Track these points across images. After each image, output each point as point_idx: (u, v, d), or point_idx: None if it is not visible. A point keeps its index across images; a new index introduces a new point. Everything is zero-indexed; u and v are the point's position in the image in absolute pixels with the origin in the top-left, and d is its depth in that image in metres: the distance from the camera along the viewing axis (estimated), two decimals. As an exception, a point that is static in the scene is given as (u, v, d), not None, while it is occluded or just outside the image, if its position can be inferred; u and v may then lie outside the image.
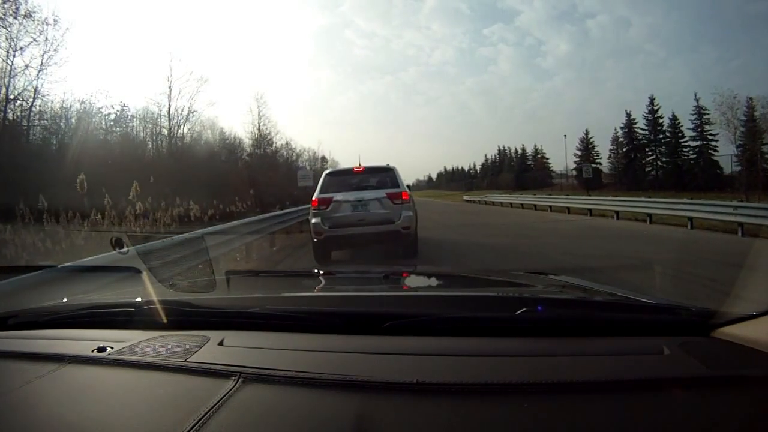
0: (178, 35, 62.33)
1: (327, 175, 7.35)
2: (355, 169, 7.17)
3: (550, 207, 18.49)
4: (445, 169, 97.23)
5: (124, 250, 2.83)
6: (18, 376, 0.85)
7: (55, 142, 18.31)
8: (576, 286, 1.50)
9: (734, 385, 0.74)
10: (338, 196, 6.64)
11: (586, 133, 48.37)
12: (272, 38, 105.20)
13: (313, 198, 6.80)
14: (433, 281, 1.97)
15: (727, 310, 0.94)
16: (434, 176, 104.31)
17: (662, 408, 0.68)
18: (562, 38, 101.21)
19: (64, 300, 1.45)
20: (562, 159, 72.71)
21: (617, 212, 13.40)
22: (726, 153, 33.81)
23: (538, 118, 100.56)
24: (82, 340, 1.00)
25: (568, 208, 16.79)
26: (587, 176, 30.44)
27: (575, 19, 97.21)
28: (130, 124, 24.54)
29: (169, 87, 25.43)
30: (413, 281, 1.93)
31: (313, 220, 6.62)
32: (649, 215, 11.92)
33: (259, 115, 33.76)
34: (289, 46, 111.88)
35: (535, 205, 20.39)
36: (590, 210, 15.12)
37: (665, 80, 79.56)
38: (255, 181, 21.23)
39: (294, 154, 40.89)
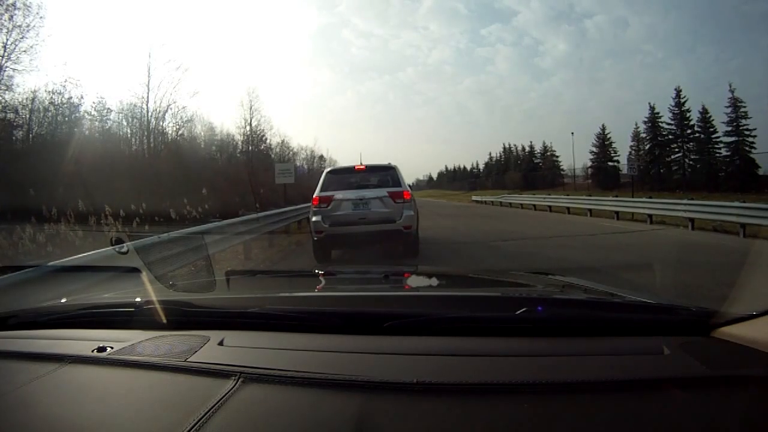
0: (170, 33, 62.26)
1: (328, 173, 7.30)
2: (357, 168, 7.18)
3: (590, 211, 15.21)
4: (446, 168, 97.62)
5: (124, 249, 2.82)
6: (18, 376, 0.85)
7: (19, 137, 17.12)
8: (576, 286, 1.50)
9: (734, 385, 0.74)
10: (339, 195, 6.62)
11: (603, 129, 46.86)
12: (269, 38, 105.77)
13: (314, 196, 6.78)
14: (433, 281, 1.97)
15: (727, 310, 0.94)
16: (435, 176, 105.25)
17: (662, 408, 0.68)
18: (560, 38, 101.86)
19: (64, 300, 1.45)
20: (567, 158, 72.76)
21: (692, 220, 10.36)
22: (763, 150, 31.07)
23: (536, 117, 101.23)
24: (82, 340, 1.00)
25: (617, 212, 13.58)
26: (633, 173, 26.69)
27: (573, 19, 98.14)
28: (107, 117, 23.28)
29: (148, 75, 23.74)
30: (413, 281, 1.93)
31: (314, 219, 6.62)
32: (743, 225, 8.84)
33: (251, 109, 33.16)
34: (286, 45, 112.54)
35: (568, 208, 17.10)
36: (650, 216, 11.98)
37: (663, 80, 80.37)
38: (235, 180, 20.05)
39: (291, 152, 40.86)
